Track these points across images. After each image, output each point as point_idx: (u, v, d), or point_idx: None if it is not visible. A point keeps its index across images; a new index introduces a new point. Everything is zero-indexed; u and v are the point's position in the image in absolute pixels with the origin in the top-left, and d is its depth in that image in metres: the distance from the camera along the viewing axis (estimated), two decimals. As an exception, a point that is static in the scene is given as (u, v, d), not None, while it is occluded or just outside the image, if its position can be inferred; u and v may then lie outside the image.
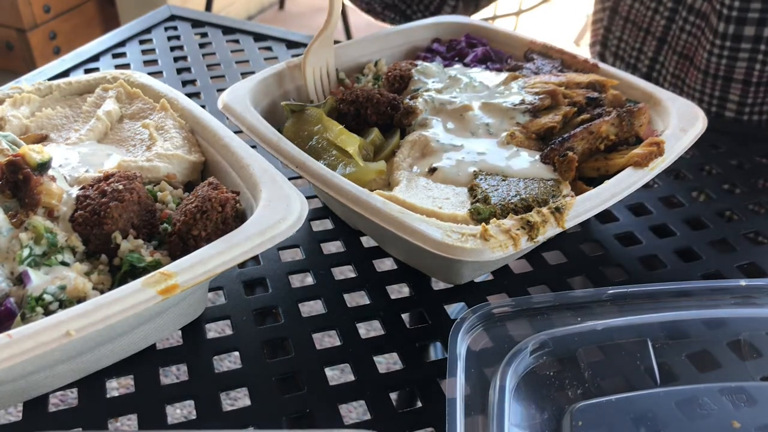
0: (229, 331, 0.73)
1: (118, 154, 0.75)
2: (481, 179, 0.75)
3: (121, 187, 0.65)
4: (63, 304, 0.59)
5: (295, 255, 0.83)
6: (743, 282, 0.69)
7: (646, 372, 0.64)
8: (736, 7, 1.09)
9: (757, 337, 0.67)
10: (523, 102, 0.85)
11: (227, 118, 0.82)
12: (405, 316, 0.75)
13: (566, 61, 0.97)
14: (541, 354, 0.62)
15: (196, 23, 1.40)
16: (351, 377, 0.68)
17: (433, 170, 0.77)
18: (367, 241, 0.85)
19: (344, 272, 0.80)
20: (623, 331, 0.65)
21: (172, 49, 1.31)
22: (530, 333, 0.63)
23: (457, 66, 0.97)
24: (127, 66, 1.23)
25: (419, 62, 0.94)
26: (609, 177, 0.74)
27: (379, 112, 0.84)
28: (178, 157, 0.74)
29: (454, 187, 0.75)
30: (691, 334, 0.67)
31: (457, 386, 0.57)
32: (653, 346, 0.64)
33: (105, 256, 0.64)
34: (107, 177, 0.67)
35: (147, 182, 0.72)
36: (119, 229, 0.64)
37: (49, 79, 0.88)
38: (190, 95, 0.89)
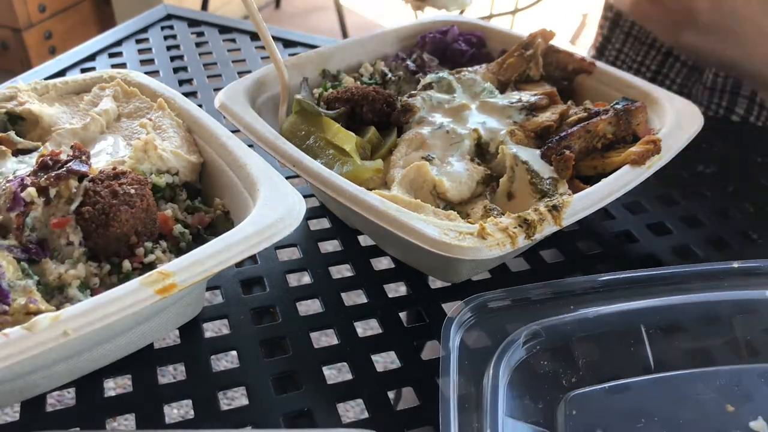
0: (226, 331, 0.72)
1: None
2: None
3: (133, 191, 0.65)
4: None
5: (293, 254, 0.83)
6: (736, 264, 0.68)
7: (639, 359, 0.63)
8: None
9: (751, 321, 0.66)
10: (520, 100, 0.85)
11: (224, 118, 0.82)
12: (402, 315, 0.75)
13: (562, 60, 0.97)
14: (534, 344, 0.62)
15: (192, 22, 1.40)
16: (349, 376, 0.68)
17: (430, 169, 0.77)
18: (364, 240, 0.85)
19: (341, 271, 0.80)
20: (616, 318, 0.64)
21: (169, 48, 1.30)
22: (523, 323, 0.63)
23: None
24: (123, 65, 1.23)
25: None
26: (606, 175, 0.74)
27: (374, 109, 0.84)
28: (179, 156, 0.74)
29: (452, 185, 0.75)
30: (685, 320, 0.66)
31: (451, 380, 0.57)
32: (647, 333, 0.64)
33: (108, 264, 0.65)
34: (117, 176, 0.66)
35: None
36: (123, 233, 0.64)
37: (45, 79, 0.87)
38: (186, 94, 0.89)
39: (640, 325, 0.64)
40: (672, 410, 0.59)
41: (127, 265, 0.64)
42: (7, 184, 0.64)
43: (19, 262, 0.61)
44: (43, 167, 0.66)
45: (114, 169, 0.68)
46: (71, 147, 0.69)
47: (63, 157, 0.67)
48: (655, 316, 0.65)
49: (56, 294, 0.61)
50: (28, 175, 0.65)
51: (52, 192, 0.64)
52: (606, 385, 0.61)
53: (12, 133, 0.76)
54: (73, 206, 0.64)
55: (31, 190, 0.63)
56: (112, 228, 0.63)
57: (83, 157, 0.67)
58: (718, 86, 1.16)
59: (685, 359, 0.64)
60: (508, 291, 0.66)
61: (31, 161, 0.72)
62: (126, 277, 0.63)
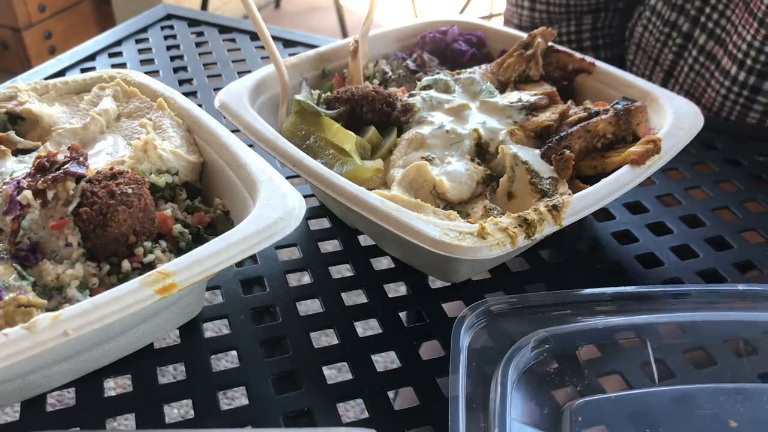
0: (226, 330, 0.72)
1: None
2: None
3: (130, 191, 0.65)
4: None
5: (293, 254, 0.83)
6: (741, 287, 0.69)
7: (644, 371, 0.64)
8: (761, 61, 1.07)
9: (755, 340, 0.67)
10: (519, 100, 0.85)
11: (224, 117, 0.82)
12: (402, 315, 0.75)
13: (562, 60, 0.97)
14: (542, 351, 0.63)
15: (192, 22, 1.40)
16: (349, 376, 0.68)
17: (430, 169, 0.77)
18: (364, 240, 0.85)
19: (341, 271, 0.80)
20: (623, 330, 0.66)
21: (169, 48, 1.30)
22: (530, 330, 0.63)
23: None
24: (123, 65, 1.23)
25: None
26: (606, 175, 0.74)
27: (374, 109, 0.84)
28: (179, 156, 0.74)
29: (452, 185, 0.75)
30: (690, 335, 0.68)
31: (459, 382, 0.57)
32: (652, 346, 0.65)
33: (107, 264, 0.64)
34: (114, 176, 0.66)
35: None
36: (121, 233, 0.64)
37: (45, 79, 0.87)
38: (186, 94, 0.89)
39: (646, 338, 0.65)
40: (675, 423, 0.60)
41: (126, 265, 0.64)
42: (4, 187, 0.64)
43: (13, 265, 0.61)
44: (40, 169, 0.65)
45: (111, 169, 0.68)
46: (68, 148, 0.68)
47: (60, 158, 0.66)
48: (661, 330, 0.66)
49: (55, 294, 0.61)
50: (25, 178, 0.65)
51: (50, 194, 0.64)
52: (611, 395, 0.61)
53: (12, 133, 0.77)
54: (71, 208, 0.64)
55: (27, 193, 0.63)
56: (110, 228, 0.63)
57: (80, 159, 0.67)
58: (724, 112, 1.14)
59: (689, 373, 0.65)
60: (517, 297, 0.67)
61: (30, 161, 0.71)
62: (125, 277, 0.63)
